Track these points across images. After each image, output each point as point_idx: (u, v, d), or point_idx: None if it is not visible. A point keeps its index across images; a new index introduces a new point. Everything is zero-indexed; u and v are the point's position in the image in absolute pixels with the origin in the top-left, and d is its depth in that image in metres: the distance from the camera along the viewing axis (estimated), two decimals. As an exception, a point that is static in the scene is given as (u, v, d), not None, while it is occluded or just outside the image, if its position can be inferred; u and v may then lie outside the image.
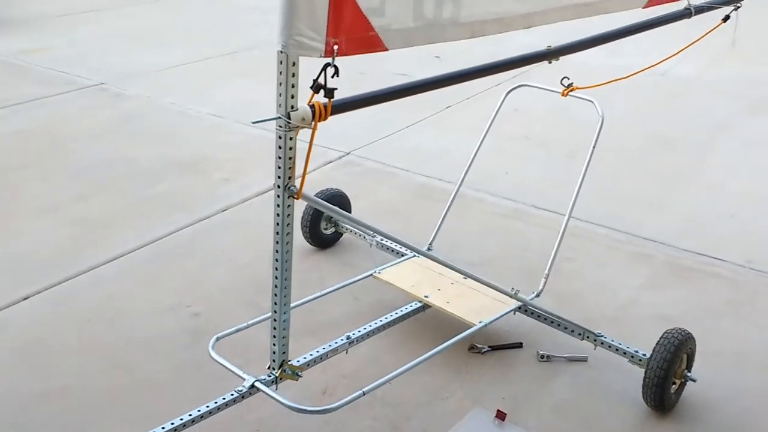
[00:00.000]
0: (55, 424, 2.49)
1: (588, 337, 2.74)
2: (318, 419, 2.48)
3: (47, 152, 4.71)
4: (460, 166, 3.24)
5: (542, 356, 2.84)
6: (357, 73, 5.62)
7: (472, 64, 2.39)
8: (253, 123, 1.85)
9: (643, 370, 2.55)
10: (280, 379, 2.27)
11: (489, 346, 2.89)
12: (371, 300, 3.14)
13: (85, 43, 7.19)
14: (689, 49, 3.07)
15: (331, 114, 1.89)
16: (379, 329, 2.71)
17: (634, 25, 2.81)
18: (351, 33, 1.82)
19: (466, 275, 2.71)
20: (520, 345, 2.91)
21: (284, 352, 2.23)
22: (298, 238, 3.42)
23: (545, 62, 2.55)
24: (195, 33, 7.70)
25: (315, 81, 1.79)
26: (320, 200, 2.28)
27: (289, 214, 2.02)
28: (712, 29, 2.98)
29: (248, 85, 5.93)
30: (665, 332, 2.57)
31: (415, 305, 2.85)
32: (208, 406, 2.23)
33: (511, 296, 2.74)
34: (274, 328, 2.18)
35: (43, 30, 7.62)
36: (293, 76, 1.85)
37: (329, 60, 1.78)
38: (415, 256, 3.07)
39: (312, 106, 1.87)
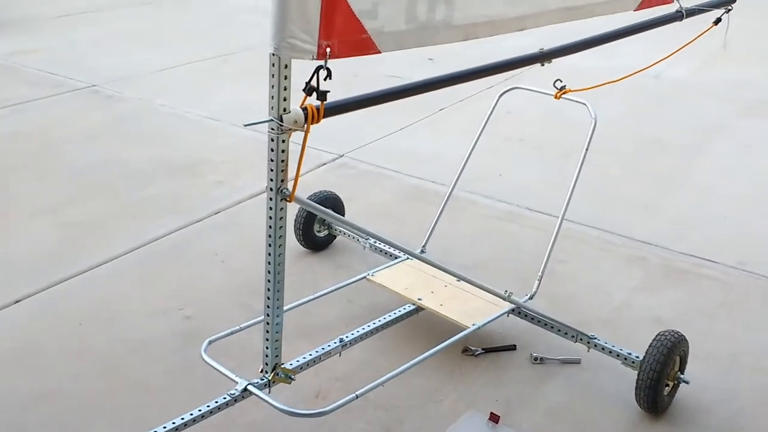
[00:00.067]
0: (48, 427, 2.48)
1: (581, 339, 2.74)
2: (311, 423, 2.47)
3: (40, 154, 4.69)
4: (453, 168, 3.24)
5: (536, 358, 2.84)
6: (350, 76, 5.62)
7: (465, 66, 2.39)
8: (246, 125, 1.85)
9: (636, 372, 2.55)
10: (273, 382, 2.26)
11: (482, 349, 2.89)
12: (364, 303, 3.14)
13: (78, 45, 7.17)
14: (681, 51, 3.08)
15: (324, 116, 1.89)
16: (372, 332, 2.71)
17: (626, 27, 2.82)
18: (343, 36, 1.82)
19: (460, 278, 2.71)
20: (513, 347, 2.91)
21: (277, 355, 2.23)
22: (292, 240, 3.41)
23: (538, 65, 2.56)
24: (188, 35, 7.69)
25: (307, 83, 1.78)
26: (313, 203, 2.28)
27: (281, 217, 2.02)
28: (704, 32, 2.99)
29: (242, 87, 5.92)
30: (658, 334, 2.57)
31: (408, 308, 2.84)
32: (200, 410, 2.22)
33: (504, 299, 2.74)
34: (267, 331, 2.17)
35: (37, 32, 7.60)
36: (285, 78, 1.85)
37: (322, 63, 1.78)
38: (408, 258, 3.07)
39: (304, 109, 1.87)
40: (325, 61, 1.78)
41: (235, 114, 5.30)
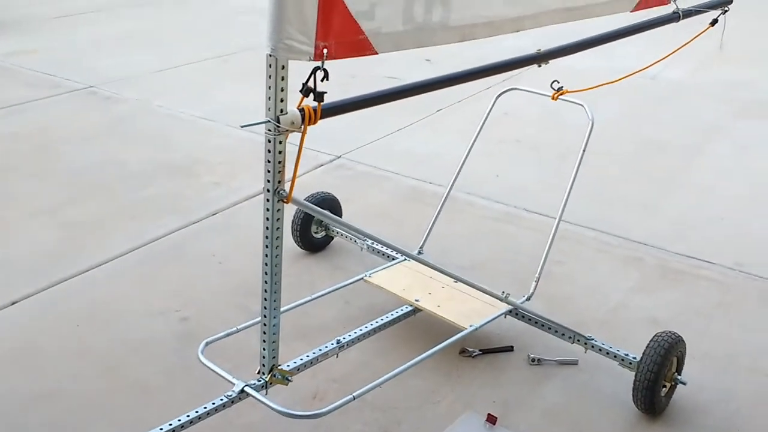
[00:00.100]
0: (47, 427, 2.48)
1: (578, 340, 2.74)
2: (308, 424, 2.47)
3: (38, 155, 4.69)
4: (451, 169, 3.24)
5: (533, 360, 2.84)
6: (347, 77, 5.62)
7: (463, 67, 2.39)
8: (242, 127, 1.84)
9: (634, 373, 2.55)
10: (270, 383, 2.26)
11: (480, 350, 2.88)
12: (362, 304, 3.13)
13: (76, 46, 7.16)
14: (678, 52, 3.08)
15: (321, 117, 1.89)
16: (369, 333, 2.71)
17: (623, 28, 2.82)
18: (340, 36, 1.81)
19: (457, 279, 2.71)
20: (511, 348, 2.91)
21: (274, 357, 2.22)
22: (289, 241, 3.41)
23: (535, 65, 2.56)
24: (186, 36, 7.68)
25: (304, 85, 1.78)
26: (310, 204, 2.28)
27: (278, 218, 2.02)
28: (701, 33, 3.00)
29: (240, 88, 5.92)
30: (655, 335, 2.57)
31: (405, 309, 2.84)
32: (197, 411, 2.22)
33: (501, 300, 2.74)
34: (264, 333, 2.17)
35: (35, 32, 7.59)
36: (282, 79, 1.85)
37: (319, 63, 1.78)
38: (405, 259, 3.07)
39: (302, 110, 1.87)
40: (322, 62, 1.78)
41: (232, 115, 5.30)
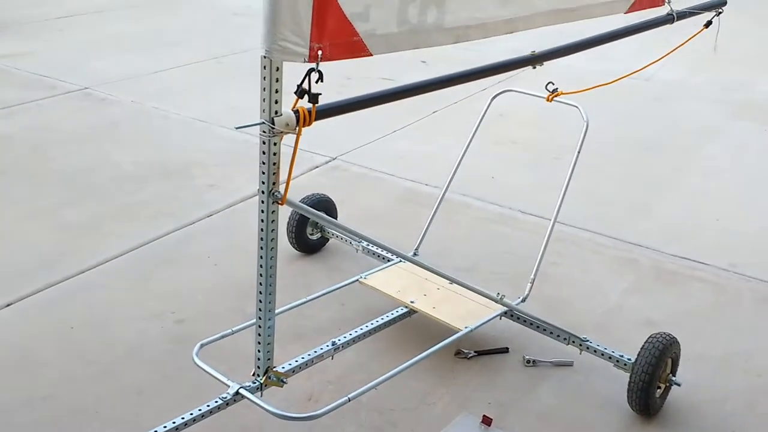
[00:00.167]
0: (40, 430, 2.46)
1: (574, 341, 2.75)
2: (303, 426, 2.46)
3: (32, 157, 4.68)
4: (446, 170, 3.24)
5: (528, 361, 2.84)
6: (343, 78, 5.62)
7: (459, 68, 2.39)
8: (237, 128, 1.84)
9: (629, 374, 2.56)
10: (265, 385, 2.26)
11: (475, 351, 2.89)
12: (357, 305, 3.13)
13: (70, 47, 7.14)
14: (673, 54, 3.09)
15: (316, 119, 1.89)
16: (365, 335, 2.71)
17: (618, 30, 2.83)
18: (335, 38, 1.82)
19: (452, 280, 2.71)
20: (506, 350, 2.91)
21: (269, 359, 2.22)
22: (284, 243, 3.41)
23: (530, 67, 2.57)
24: (181, 37, 7.67)
25: (299, 86, 1.78)
26: (305, 206, 2.27)
27: (273, 220, 2.02)
28: (695, 35, 3.01)
29: (234, 89, 5.91)
30: (650, 336, 2.58)
31: (401, 311, 2.84)
32: (192, 414, 2.21)
33: (496, 301, 2.74)
34: (259, 335, 2.17)
35: (29, 34, 7.57)
36: (277, 81, 1.85)
37: (313, 65, 1.78)
38: (401, 261, 3.07)
39: (296, 112, 1.87)
40: (317, 64, 1.78)
41: (227, 116, 5.29)
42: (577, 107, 2.83)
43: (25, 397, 2.61)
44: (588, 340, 2.72)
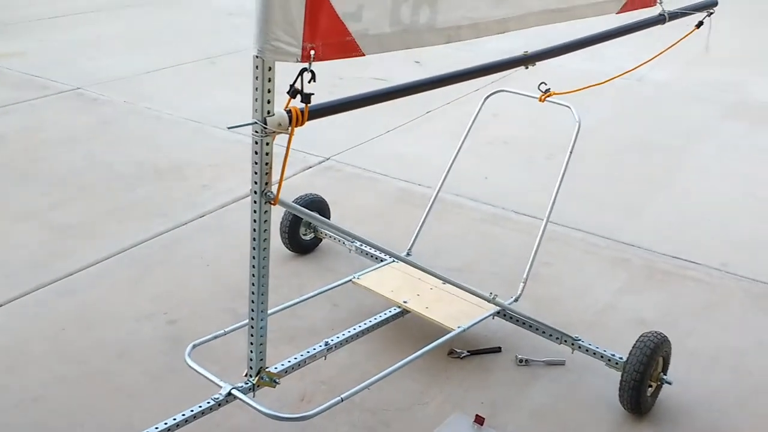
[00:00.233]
0: (32, 431, 2.46)
1: (566, 341, 2.75)
2: (296, 426, 2.46)
3: (24, 157, 4.65)
4: (439, 171, 3.25)
5: (521, 360, 2.85)
6: (336, 78, 5.62)
7: (452, 68, 2.40)
8: (229, 128, 1.84)
9: (620, 373, 2.57)
10: (258, 386, 2.25)
11: (468, 351, 2.89)
12: (350, 306, 3.13)
13: (63, 47, 7.11)
14: (664, 54, 3.11)
15: (309, 119, 1.89)
16: (358, 335, 2.70)
17: (610, 30, 2.84)
18: (327, 38, 1.82)
19: (445, 280, 2.71)
20: (498, 349, 2.92)
21: (261, 359, 2.22)
22: (277, 243, 3.41)
23: (523, 67, 2.57)
24: (174, 37, 7.65)
25: (292, 86, 1.78)
26: (297, 206, 2.27)
27: (266, 220, 2.01)
28: (687, 35, 3.02)
29: (227, 89, 5.90)
30: (641, 336, 2.59)
31: (394, 311, 2.84)
32: (184, 414, 2.20)
33: (489, 301, 2.75)
34: (251, 335, 2.16)
35: (21, 34, 7.53)
36: (269, 81, 1.85)
37: (306, 65, 1.78)
38: (394, 261, 3.07)
39: (289, 112, 1.87)
40: (310, 64, 1.78)
41: (220, 116, 5.28)
42: (569, 107, 2.84)
43: (16, 398, 2.60)
44: (580, 340, 2.73)
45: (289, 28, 1.74)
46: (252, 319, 2.14)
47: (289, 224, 3.41)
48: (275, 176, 1.96)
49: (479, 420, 2.49)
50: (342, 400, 2.24)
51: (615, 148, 5.07)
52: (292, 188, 3.68)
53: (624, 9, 2.79)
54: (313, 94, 1.81)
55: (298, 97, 1.80)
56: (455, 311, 2.78)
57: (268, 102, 1.86)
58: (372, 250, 3.25)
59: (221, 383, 2.25)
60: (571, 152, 2.87)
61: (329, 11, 1.80)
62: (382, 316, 2.81)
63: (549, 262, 3.53)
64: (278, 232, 3.42)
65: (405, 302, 2.83)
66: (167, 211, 3.97)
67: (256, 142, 1.91)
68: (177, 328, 3.00)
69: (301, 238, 3.50)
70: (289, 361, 2.45)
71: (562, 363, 2.85)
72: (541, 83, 2.75)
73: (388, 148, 4.98)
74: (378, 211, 4.10)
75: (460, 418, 2.53)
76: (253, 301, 2.11)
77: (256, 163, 1.94)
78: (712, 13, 3.05)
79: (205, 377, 2.29)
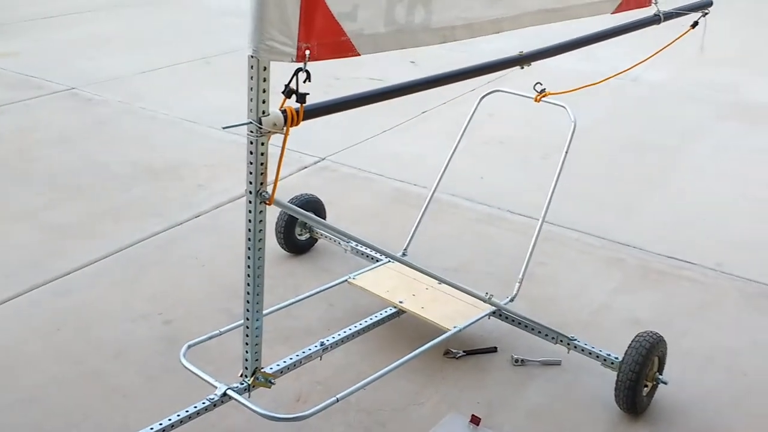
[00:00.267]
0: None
1: (561, 341, 2.76)
2: (291, 427, 2.46)
3: (18, 157, 4.64)
4: (435, 171, 3.25)
5: (516, 360, 2.85)
6: (331, 78, 5.62)
7: (447, 68, 2.39)
8: (224, 128, 1.84)
9: (616, 373, 2.57)
10: (253, 386, 2.25)
11: (464, 351, 2.89)
12: (346, 306, 3.13)
13: (57, 47, 7.09)
14: (659, 54, 3.11)
15: (304, 119, 1.88)
16: (353, 335, 2.70)
17: (605, 31, 2.84)
18: (322, 38, 1.81)
19: (441, 280, 2.71)
20: (494, 349, 2.92)
21: (257, 360, 2.21)
22: (273, 243, 3.40)
23: (518, 67, 2.57)
24: (169, 37, 7.64)
25: (287, 86, 1.78)
26: (292, 206, 2.27)
27: (261, 220, 2.01)
28: (682, 35, 3.03)
29: (222, 89, 5.89)
30: (637, 335, 2.59)
31: (389, 311, 2.84)
32: (179, 415, 2.20)
33: (485, 301, 2.75)
34: (247, 336, 2.16)
35: (15, 34, 7.51)
36: (264, 81, 1.84)
37: (301, 65, 1.78)
38: (389, 261, 3.07)
39: (284, 111, 1.87)
40: (305, 64, 1.78)
41: (215, 116, 5.27)
42: (564, 107, 2.84)
43: (11, 399, 2.59)
44: (576, 339, 2.73)
45: (284, 28, 1.73)
46: (247, 319, 2.13)
47: (284, 224, 3.41)
48: (270, 176, 1.95)
49: (475, 420, 2.49)
50: (338, 401, 2.24)
51: (610, 148, 5.07)
52: (287, 188, 3.68)
53: (619, 9, 2.80)
54: (308, 93, 1.81)
55: (293, 97, 1.80)
56: (451, 311, 2.78)
57: (263, 102, 1.86)
58: (367, 250, 3.25)
59: (216, 383, 2.24)
60: (566, 152, 2.87)
61: (324, 11, 1.80)
62: (378, 316, 2.81)
63: (544, 262, 3.53)
64: (273, 232, 3.42)
65: (401, 302, 2.83)
66: (162, 211, 3.96)
67: (251, 142, 1.91)
68: (172, 329, 2.99)
69: (297, 239, 3.49)
70: (285, 362, 2.45)
71: (557, 363, 2.85)
72: (537, 83, 2.75)
73: (384, 148, 4.98)
74: (373, 211, 4.10)
75: (456, 419, 2.53)
76: (248, 302, 2.11)
77: (251, 163, 1.93)
78: (707, 14, 3.06)
79: (201, 377, 2.29)
